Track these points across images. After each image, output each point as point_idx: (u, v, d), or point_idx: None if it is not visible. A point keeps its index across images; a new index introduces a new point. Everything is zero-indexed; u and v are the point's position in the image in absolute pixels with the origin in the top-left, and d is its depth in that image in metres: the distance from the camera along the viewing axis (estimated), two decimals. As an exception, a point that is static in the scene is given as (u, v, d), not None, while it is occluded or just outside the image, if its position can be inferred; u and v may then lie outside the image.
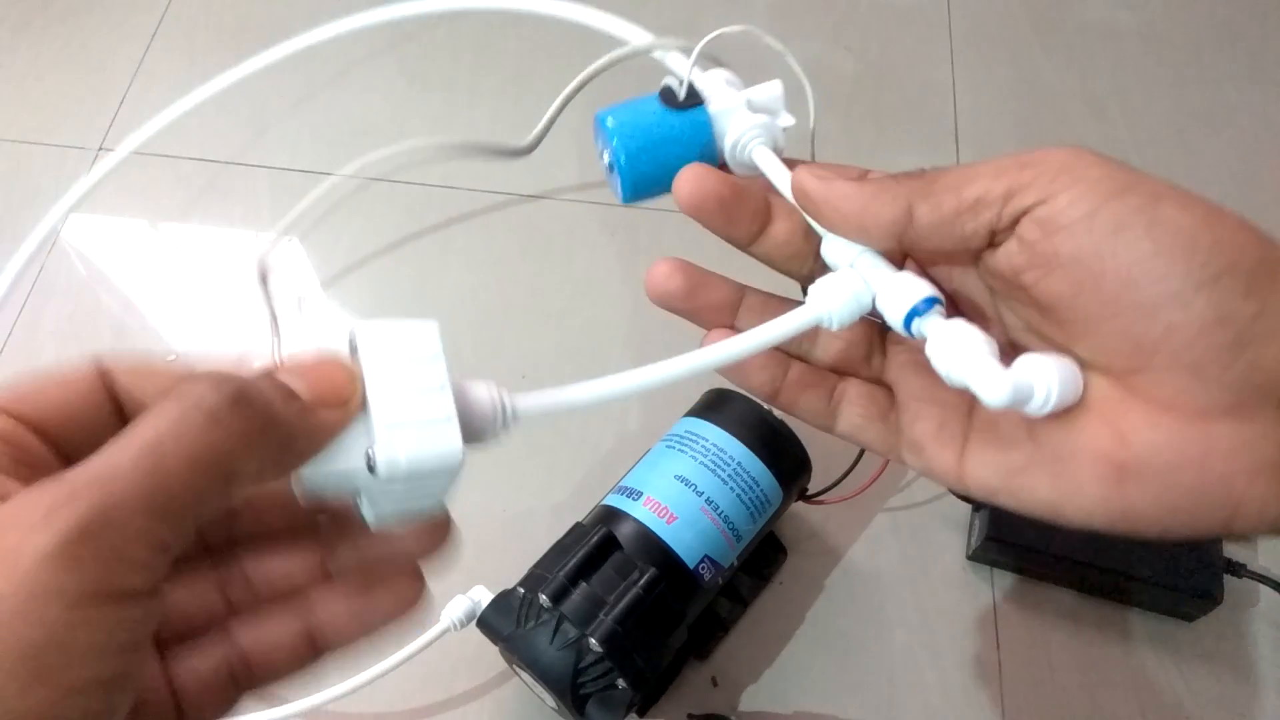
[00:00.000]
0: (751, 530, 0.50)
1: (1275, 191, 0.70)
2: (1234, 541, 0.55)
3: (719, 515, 0.48)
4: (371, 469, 0.21)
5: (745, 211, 0.28)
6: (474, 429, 0.22)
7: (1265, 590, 0.53)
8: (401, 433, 0.21)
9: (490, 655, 0.51)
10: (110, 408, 0.22)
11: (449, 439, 0.21)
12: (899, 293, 0.25)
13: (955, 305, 0.27)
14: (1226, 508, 0.22)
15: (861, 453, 0.56)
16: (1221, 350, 0.21)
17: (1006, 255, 0.23)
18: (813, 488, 0.54)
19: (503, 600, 0.47)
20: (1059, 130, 0.74)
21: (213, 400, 0.19)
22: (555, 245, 0.68)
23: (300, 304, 0.35)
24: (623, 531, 0.47)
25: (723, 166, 0.29)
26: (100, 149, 0.73)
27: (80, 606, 0.16)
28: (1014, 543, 0.52)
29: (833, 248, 0.26)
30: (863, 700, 0.52)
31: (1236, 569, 0.52)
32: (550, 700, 0.47)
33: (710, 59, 0.31)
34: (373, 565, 0.24)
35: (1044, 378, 0.23)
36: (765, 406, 0.51)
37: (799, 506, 0.55)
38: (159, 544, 0.18)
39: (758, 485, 0.49)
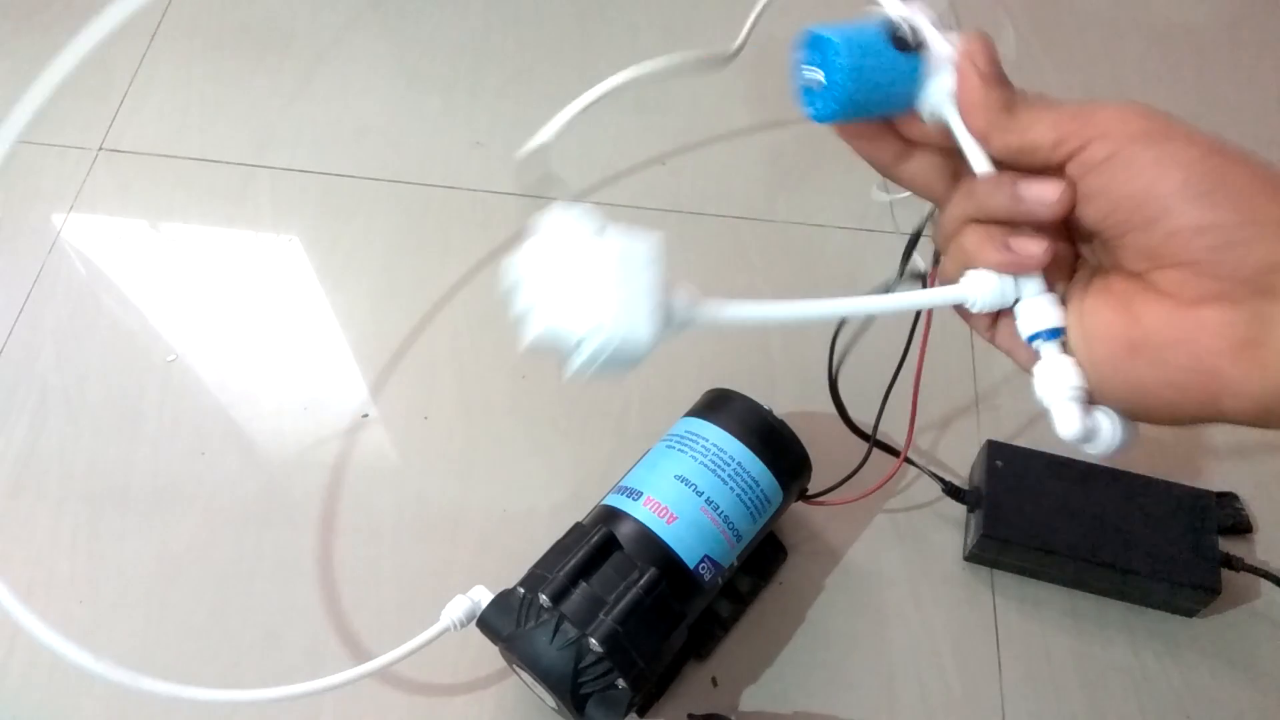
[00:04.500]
0: (751, 530, 0.50)
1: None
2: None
3: (719, 515, 0.48)
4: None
5: (888, 147, 0.32)
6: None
7: (1266, 586, 0.53)
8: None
9: (490, 655, 0.51)
10: None
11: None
12: (1035, 313, 0.30)
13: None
14: (1215, 381, 0.27)
15: (866, 455, 0.56)
16: (1211, 250, 0.26)
17: None
18: (813, 488, 0.54)
19: (503, 600, 0.47)
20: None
21: None
22: (555, 245, 0.68)
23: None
24: (623, 531, 0.47)
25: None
26: (100, 149, 0.73)
27: None
28: (1009, 540, 0.53)
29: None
30: (863, 700, 0.52)
31: (1234, 563, 0.52)
32: (550, 700, 0.47)
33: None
34: None
35: (1108, 427, 0.29)
36: (765, 406, 0.52)
37: (799, 507, 0.55)
38: None
39: (758, 485, 0.49)
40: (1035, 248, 0.29)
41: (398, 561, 0.56)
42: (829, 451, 0.58)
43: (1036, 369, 0.30)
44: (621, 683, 0.44)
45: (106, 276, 0.67)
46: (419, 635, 0.48)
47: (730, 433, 0.50)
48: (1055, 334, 0.30)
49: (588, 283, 0.27)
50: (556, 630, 0.44)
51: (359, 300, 0.66)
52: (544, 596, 0.45)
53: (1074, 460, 0.54)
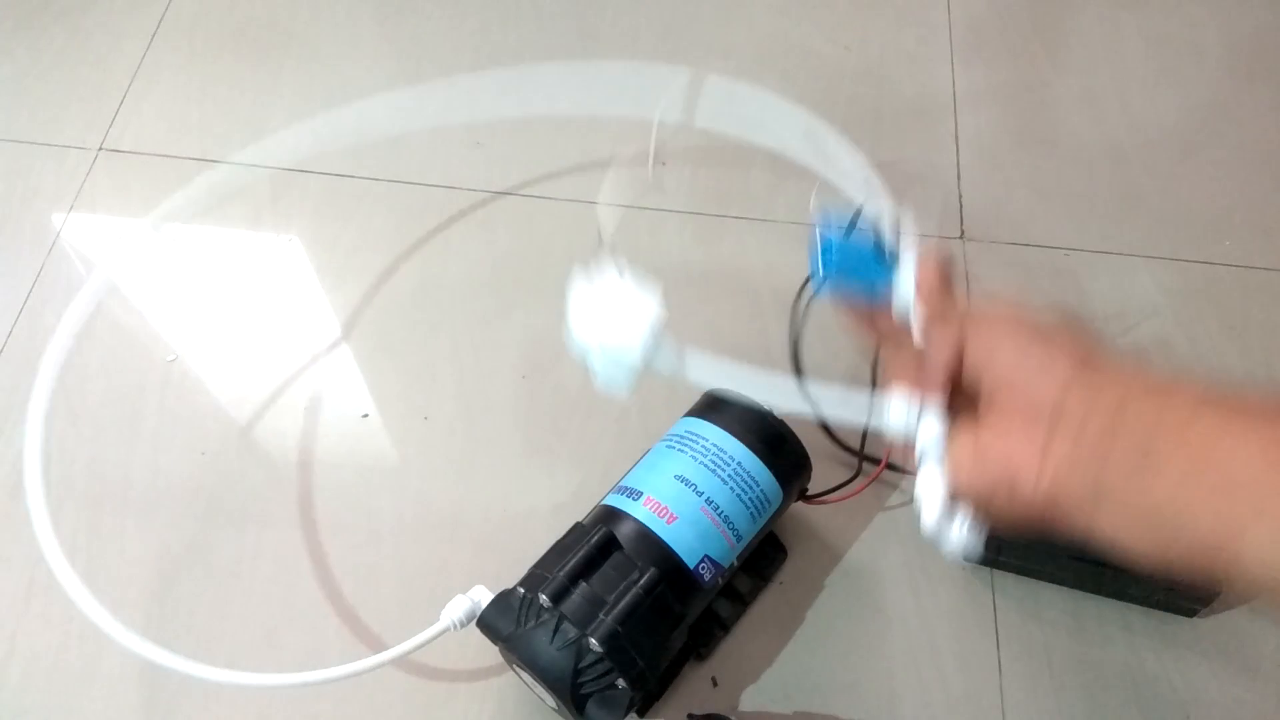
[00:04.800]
0: (751, 530, 0.50)
1: (1274, 190, 0.70)
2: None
3: (719, 515, 0.48)
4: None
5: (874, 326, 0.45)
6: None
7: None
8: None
9: (490, 655, 0.51)
10: None
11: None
12: (928, 434, 0.40)
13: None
14: (1020, 486, 0.36)
15: (859, 467, 0.56)
16: (1020, 390, 0.37)
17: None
18: (813, 488, 0.54)
19: (503, 600, 0.47)
20: (1059, 130, 0.74)
21: None
22: (555, 245, 0.68)
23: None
24: (623, 531, 0.47)
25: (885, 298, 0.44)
26: (100, 149, 0.73)
27: None
28: (1009, 540, 0.52)
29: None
30: (863, 700, 0.52)
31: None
32: (550, 700, 0.47)
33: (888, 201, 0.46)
34: None
35: (960, 526, 0.39)
36: (765, 407, 0.52)
37: (799, 506, 0.55)
38: None
39: (758, 485, 0.49)
40: (936, 382, 0.40)
41: (398, 561, 0.56)
42: (829, 451, 0.58)
43: (919, 475, 0.40)
44: (621, 683, 0.44)
45: (106, 276, 0.67)
46: (419, 634, 0.48)
47: (730, 433, 0.50)
48: (937, 450, 0.39)
49: (608, 318, 0.39)
50: (556, 630, 0.44)
51: (359, 300, 0.66)
52: (544, 596, 0.45)
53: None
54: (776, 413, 0.52)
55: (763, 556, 0.54)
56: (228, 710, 0.51)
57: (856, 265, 0.44)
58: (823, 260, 0.44)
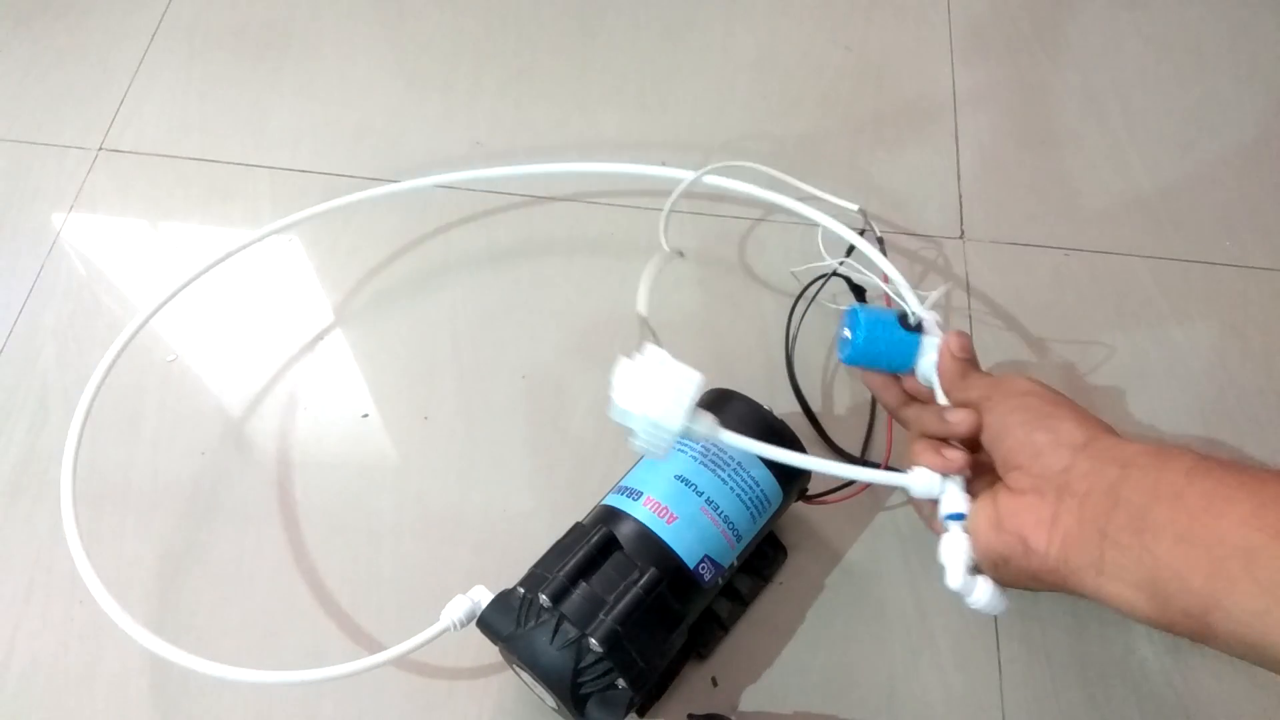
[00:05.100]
0: (751, 530, 0.50)
1: (1274, 190, 0.70)
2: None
3: (719, 515, 0.48)
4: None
5: (895, 393, 0.49)
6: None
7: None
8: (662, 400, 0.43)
9: (490, 655, 0.51)
10: None
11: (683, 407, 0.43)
12: (951, 501, 0.43)
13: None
14: (1031, 551, 0.39)
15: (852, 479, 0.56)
16: (1031, 458, 0.40)
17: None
18: (813, 489, 0.54)
19: (503, 600, 0.47)
20: (1059, 130, 0.74)
21: None
22: (555, 245, 0.68)
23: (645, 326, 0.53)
24: (623, 531, 0.47)
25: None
26: (100, 149, 0.73)
27: None
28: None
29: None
30: (863, 700, 0.52)
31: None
32: (550, 700, 0.47)
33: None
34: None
35: (983, 588, 0.42)
36: (765, 406, 0.52)
37: (799, 506, 0.55)
38: None
39: (758, 485, 0.49)
40: (957, 455, 0.43)
41: (398, 561, 0.56)
42: (828, 452, 0.58)
43: (943, 539, 0.43)
44: (621, 683, 0.44)
45: (106, 277, 0.67)
46: (419, 634, 0.48)
47: (730, 432, 0.50)
48: (960, 516, 0.42)
49: (650, 389, 0.43)
50: (556, 630, 0.44)
51: (359, 300, 0.66)
52: (544, 596, 0.45)
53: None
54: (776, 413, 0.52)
55: (763, 556, 0.54)
56: (228, 710, 0.51)
57: (882, 335, 0.47)
58: (850, 330, 0.47)
